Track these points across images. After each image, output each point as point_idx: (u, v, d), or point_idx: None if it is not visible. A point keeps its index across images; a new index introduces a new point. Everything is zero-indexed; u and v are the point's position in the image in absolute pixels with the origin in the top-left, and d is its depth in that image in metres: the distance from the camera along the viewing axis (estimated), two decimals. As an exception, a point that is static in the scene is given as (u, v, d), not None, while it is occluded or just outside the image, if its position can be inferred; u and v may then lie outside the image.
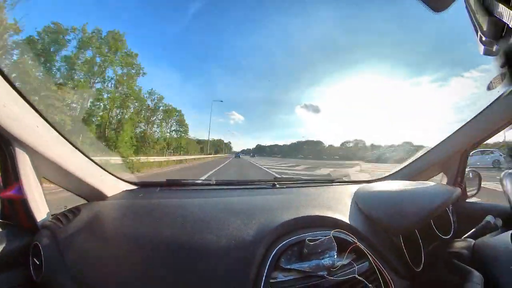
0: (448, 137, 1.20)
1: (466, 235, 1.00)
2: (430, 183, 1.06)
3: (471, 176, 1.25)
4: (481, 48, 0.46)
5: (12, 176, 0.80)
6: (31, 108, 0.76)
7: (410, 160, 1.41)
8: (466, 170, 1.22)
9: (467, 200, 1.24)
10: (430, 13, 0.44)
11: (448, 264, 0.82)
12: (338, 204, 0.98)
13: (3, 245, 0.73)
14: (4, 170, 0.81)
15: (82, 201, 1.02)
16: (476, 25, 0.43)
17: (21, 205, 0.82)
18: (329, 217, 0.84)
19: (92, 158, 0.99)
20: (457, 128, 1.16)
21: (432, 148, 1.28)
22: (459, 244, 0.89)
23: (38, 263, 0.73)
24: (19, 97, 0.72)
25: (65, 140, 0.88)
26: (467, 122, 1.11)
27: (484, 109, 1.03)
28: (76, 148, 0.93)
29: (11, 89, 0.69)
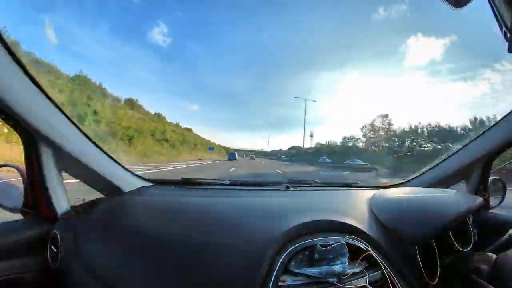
0: (470, 142, 1.14)
1: (487, 248, 0.94)
2: (450, 191, 1.01)
3: (495, 185, 1.18)
4: (506, 45, 0.44)
5: (36, 169, 0.85)
6: (55, 107, 0.80)
7: (429, 166, 1.35)
8: (490, 178, 1.15)
9: (490, 211, 1.17)
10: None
11: (466, 279, 0.78)
12: (353, 210, 0.96)
13: (24, 231, 0.78)
14: (29, 162, 0.86)
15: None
16: (501, 20, 0.41)
17: (43, 196, 0.86)
18: (342, 222, 0.82)
19: (110, 154, 1.04)
20: (479, 134, 1.11)
21: (453, 154, 1.22)
22: (479, 258, 0.84)
23: (55, 251, 0.77)
24: (43, 96, 0.76)
25: (85, 137, 0.93)
26: (490, 128, 1.05)
27: (507, 114, 0.97)
28: (96, 144, 0.97)
29: (36, 88, 0.74)
